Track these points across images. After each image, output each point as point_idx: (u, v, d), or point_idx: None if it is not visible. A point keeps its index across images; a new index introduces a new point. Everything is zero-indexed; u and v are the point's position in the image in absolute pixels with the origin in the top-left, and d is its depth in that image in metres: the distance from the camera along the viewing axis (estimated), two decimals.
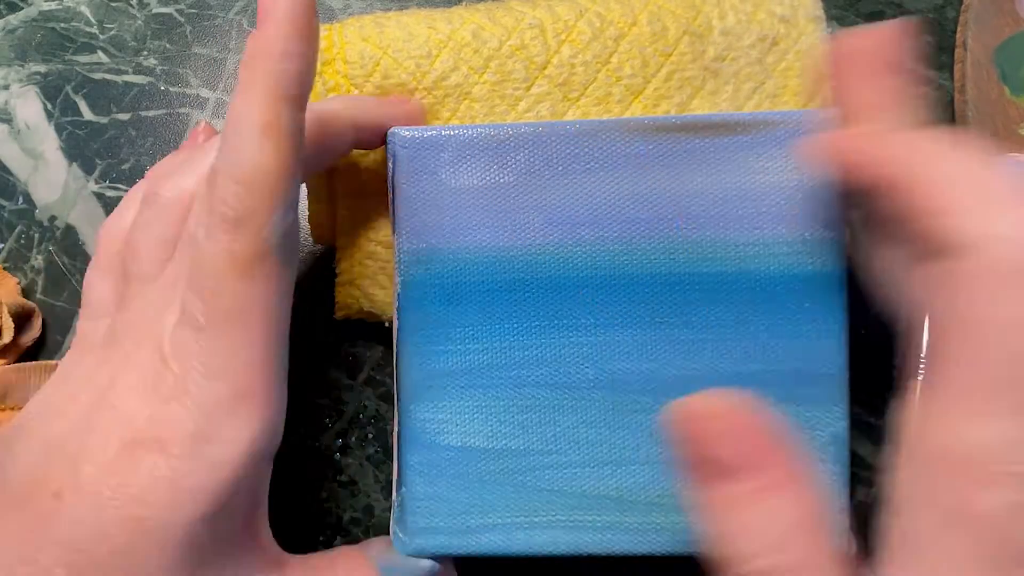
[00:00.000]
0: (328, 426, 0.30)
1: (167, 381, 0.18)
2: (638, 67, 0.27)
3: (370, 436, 0.30)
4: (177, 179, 0.22)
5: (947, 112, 0.30)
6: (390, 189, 0.25)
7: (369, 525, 0.29)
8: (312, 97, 0.28)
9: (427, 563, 0.24)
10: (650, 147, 0.24)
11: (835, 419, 0.24)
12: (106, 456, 0.18)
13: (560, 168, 0.24)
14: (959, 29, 0.31)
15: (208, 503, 0.18)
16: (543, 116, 0.27)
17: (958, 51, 0.30)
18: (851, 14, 0.31)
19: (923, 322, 0.29)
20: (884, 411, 0.29)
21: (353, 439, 0.30)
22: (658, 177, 0.24)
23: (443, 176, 0.24)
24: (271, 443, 0.20)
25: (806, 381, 0.24)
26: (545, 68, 0.27)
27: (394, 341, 0.25)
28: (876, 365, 0.30)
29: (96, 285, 0.22)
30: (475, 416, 0.24)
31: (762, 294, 0.24)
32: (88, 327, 0.22)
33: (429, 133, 0.24)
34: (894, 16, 0.31)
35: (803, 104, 0.27)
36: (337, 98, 0.24)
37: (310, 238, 0.30)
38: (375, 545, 0.25)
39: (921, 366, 0.28)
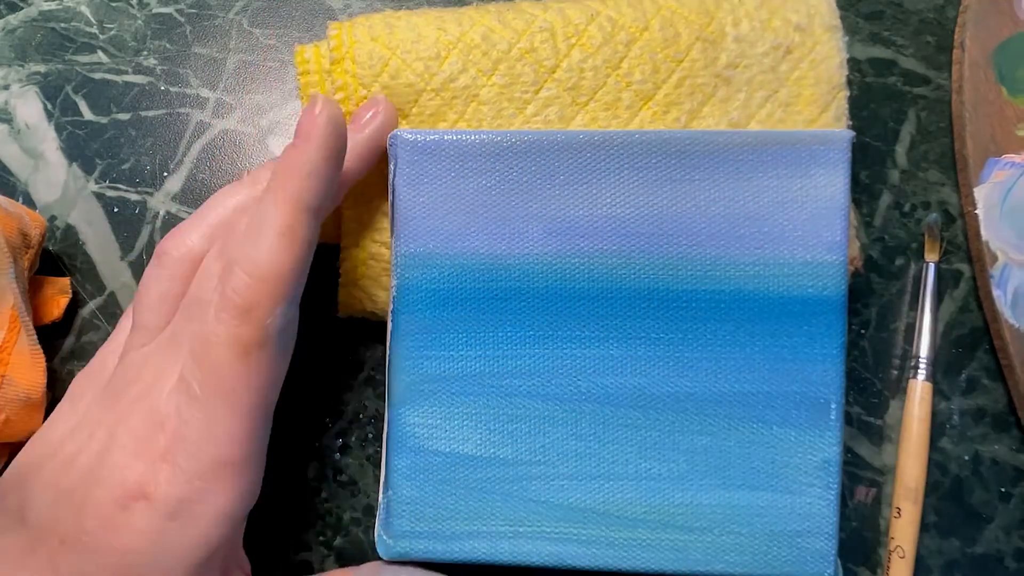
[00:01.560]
0: (328, 426, 0.30)
1: (159, 443, 0.21)
2: (648, 73, 0.26)
3: (370, 436, 0.30)
4: (183, 238, 0.24)
5: (945, 112, 0.30)
6: (390, 191, 0.25)
7: (369, 525, 0.29)
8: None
9: None
10: (655, 161, 0.24)
11: (828, 444, 0.23)
12: (104, 511, 0.20)
13: (562, 178, 0.24)
14: (957, 30, 0.31)
15: (186, 556, 0.20)
16: (551, 120, 0.27)
17: (956, 52, 0.30)
18: (851, 14, 0.31)
19: (923, 323, 0.29)
20: (884, 411, 0.29)
21: (353, 439, 0.30)
22: (661, 192, 0.24)
23: (443, 181, 0.24)
24: (247, 506, 0.22)
25: (802, 405, 0.23)
26: (554, 72, 0.27)
27: (387, 343, 0.25)
28: (876, 365, 0.30)
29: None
30: (464, 423, 0.24)
31: (761, 315, 0.23)
32: (105, 352, 0.25)
33: (431, 137, 0.24)
34: (894, 16, 0.31)
35: (817, 114, 0.26)
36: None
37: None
38: (365, 568, 0.25)
39: (921, 366, 0.29)
